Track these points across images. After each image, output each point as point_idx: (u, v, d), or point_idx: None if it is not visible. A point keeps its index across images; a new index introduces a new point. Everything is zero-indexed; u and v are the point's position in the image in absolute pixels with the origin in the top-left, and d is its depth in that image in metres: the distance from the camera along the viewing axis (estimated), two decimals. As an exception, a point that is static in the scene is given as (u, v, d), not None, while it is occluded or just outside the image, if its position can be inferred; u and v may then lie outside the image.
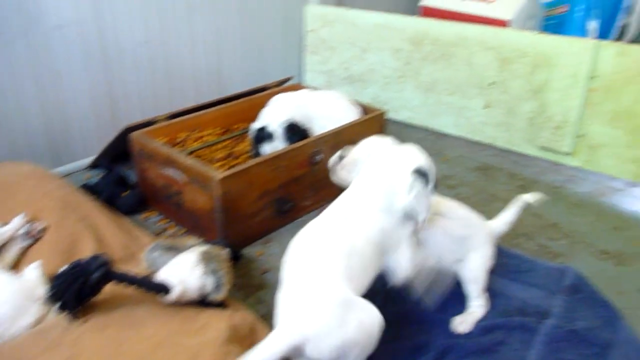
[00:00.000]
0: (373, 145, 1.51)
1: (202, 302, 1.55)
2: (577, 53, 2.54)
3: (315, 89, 2.69)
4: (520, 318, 1.65)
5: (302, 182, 2.22)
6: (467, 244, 1.61)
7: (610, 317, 1.68)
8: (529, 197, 1.78)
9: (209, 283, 1.53)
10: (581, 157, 2.69)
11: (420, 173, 1.39)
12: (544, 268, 1.93)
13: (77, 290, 1.38)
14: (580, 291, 1.80)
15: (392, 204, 1.37)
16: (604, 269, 1.98)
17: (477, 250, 1.62)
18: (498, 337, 1.59)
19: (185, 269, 1.53)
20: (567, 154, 2.71)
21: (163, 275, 1.53)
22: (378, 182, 1.40)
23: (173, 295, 1.48)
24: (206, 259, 1.56)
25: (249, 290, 1.84)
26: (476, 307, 1.66)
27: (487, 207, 2.35)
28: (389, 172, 1.40)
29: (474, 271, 1.63)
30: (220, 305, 1.57)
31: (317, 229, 1.38)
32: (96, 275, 1.37)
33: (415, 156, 1.44)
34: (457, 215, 1.62)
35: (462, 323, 1.62)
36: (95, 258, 1.42)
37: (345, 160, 1.51)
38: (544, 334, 1.59)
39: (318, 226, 1.39)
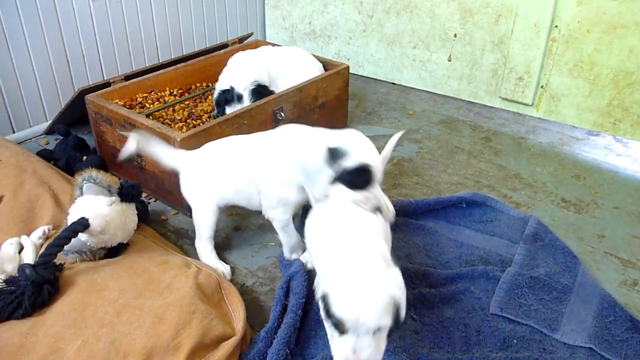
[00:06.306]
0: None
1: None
2: (539, 2, 2.52)
3: (276, 45, 2.63)
4: (483, 267, 1.68)
5: (265, 141, 2.18)
6: None
7: (569, 263, 1.73)
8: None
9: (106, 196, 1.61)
10: (543, 108, 2.71)
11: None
12: (507, 217, 1.96)
13: (32, 300, 1.36)
14: (541, 239, 1.84)
15: None
16: (565, 216, 2.02)
17: None
18: (461, 286, 1.62)
19: (89, 200, 1.57)
20: (530, 104, 2.73)
21: (75, 214, 1.54)
22: None
23: (95, 224, 1.50)
24: (98, 184, 1.63)
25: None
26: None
27: (451, 160, 2.37)
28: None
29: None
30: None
31: None
32: (35, 277, 1.37)
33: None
34: None
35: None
36: (22, 271, 1.41)
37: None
38: (505, 281, 1.63)
39: None
